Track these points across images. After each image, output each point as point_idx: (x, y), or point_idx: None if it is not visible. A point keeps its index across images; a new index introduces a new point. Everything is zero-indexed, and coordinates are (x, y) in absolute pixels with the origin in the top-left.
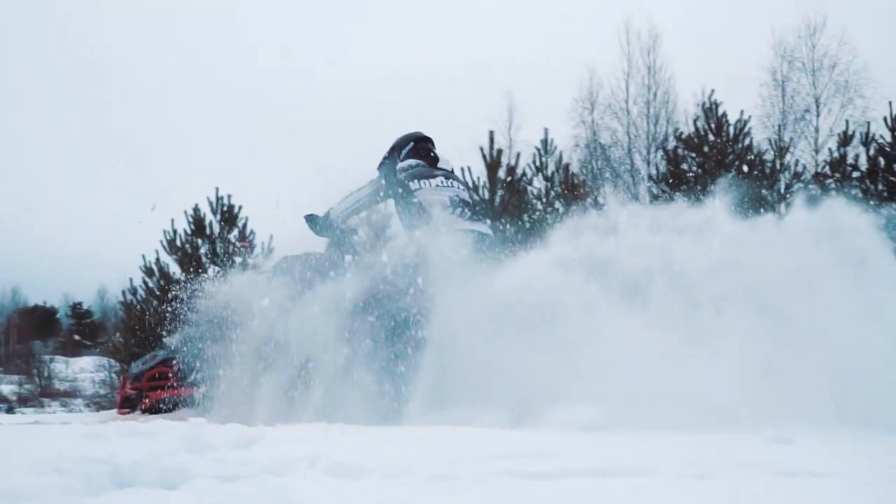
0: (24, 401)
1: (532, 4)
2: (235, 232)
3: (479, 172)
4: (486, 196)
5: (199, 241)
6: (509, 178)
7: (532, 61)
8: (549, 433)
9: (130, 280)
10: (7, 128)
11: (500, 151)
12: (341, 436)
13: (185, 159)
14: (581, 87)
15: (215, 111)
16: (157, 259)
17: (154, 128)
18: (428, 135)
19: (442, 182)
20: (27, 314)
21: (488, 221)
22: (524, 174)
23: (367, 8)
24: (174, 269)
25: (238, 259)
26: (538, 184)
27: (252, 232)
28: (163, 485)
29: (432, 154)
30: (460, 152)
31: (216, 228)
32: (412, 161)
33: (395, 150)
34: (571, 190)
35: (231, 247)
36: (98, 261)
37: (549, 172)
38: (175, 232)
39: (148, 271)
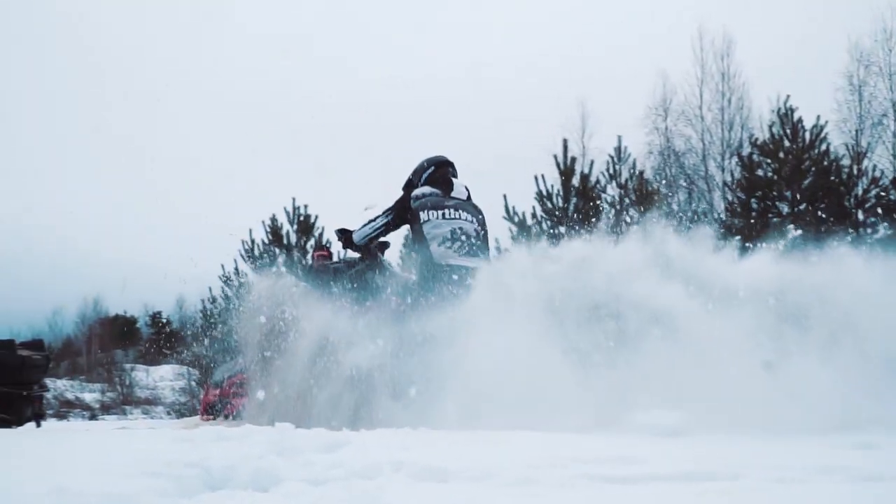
0: (106, 408)
1: (604, 13)
2: (312, 241)
3: (553, 180)
4: (560, 203)
5: (277, 249)
6: (583, 186)
7: (605, 69)
8: (630, 437)
9: (210, 289)
10: (85, 142)
11: (573, 159)
12: (424, 440)
13: (264, 172)
14: (654, 94)
15: (284, 121)
16: (236, 268)
17: (231, 141)
18: (449, 159)
19: (449, 213)
20: (108, 324)
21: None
22: (598, 182)
23: (435, 13)
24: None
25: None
26: (612, 191)
27: (329, 241)
28: (254, 487)
29: (449, 180)
30: (533, 160)
31: (293, 238)
32: (426, 189)
33: (417, 174)
34: (645, 197)
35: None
36: (177, 270)
37: (623, 180)
38: (253, 241)
39: (226, 280)
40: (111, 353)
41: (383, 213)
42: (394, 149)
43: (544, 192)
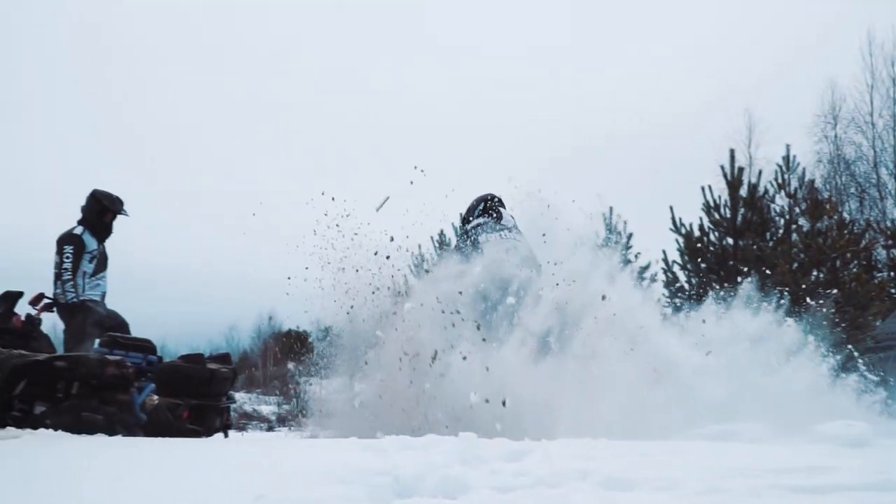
0: (282, 420)
1: (769, 22)
2: None
3: (720, 190)
4: (728, 214)
5: None
6: (751, 196)
7: (771, 77)
8: (813, 447)
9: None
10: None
11: (741, 169)
12: (607, 450)
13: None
14: (822, 102)
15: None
16: (405, 282)
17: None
18: (496, 194)
19: (503, 235)
20: (282, 338)
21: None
22: (766, 192)
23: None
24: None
25: None
26: (780, 201)
27: None
28: (443, 495)
29: (499, 210)
30: (698, 171)
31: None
32: (480, 220)
33: (470, 211)
34: (815, 206)
35: None
36: (347, 284)
37: (792, 189)
38: (422, 257)
39: (396, 294)
40: (285, 366)
41: (451, 252)
42: (559, 160)
43: (711, 203)
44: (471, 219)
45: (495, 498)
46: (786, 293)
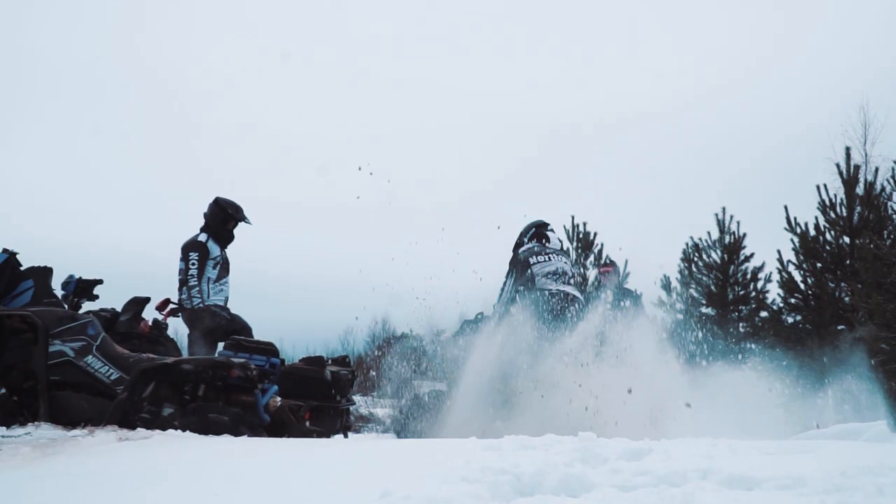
0: (397, 422)
1: (883, 17)
2: (591, 258)
3: (836, 189)
4: (844, 213)
5: None
6: (867, 195)
7: (886, 74)
8: None
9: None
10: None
11: (856, 167)
12: (728, 449)
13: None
14: None
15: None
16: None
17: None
18: (546, 221)
19: (551, 258)
20: (395, 342)
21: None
22: (882, 189)
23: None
24: None
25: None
26: None
27: (608, 257)
28: (564, 493)
29: (547, 235)
30: (812, 169)
31: (573, 255)
32: (531, 245)
33: (522, 235)
34: None
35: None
36: (461, 288)
37: None
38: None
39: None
40: (399, 370)
41: (506, 275)
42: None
43: (827, 202)
44: (523, 242)
45: (618, 496)
46: None
